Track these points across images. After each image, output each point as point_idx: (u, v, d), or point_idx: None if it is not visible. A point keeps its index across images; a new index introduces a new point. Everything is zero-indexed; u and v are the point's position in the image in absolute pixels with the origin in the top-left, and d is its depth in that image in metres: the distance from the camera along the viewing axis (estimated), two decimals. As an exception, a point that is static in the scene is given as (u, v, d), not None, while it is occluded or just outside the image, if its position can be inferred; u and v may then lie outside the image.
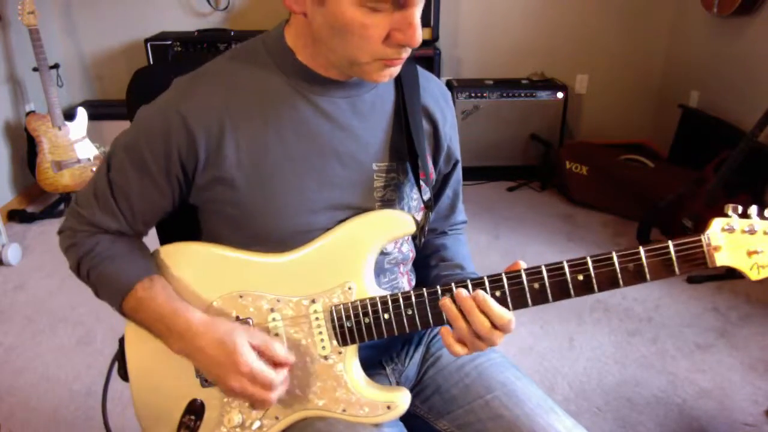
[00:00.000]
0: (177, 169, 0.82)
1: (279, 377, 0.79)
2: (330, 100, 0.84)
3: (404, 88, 0.90)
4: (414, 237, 0.90)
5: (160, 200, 0.86)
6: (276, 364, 0.80)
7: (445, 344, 0.82)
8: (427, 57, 3.32)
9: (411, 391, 0.99)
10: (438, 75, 3.42)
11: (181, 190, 0.86)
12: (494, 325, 0.77)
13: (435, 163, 0.97)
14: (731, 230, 0.75)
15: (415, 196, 0.92)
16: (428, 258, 1.02)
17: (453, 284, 0.80)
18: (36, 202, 3.35)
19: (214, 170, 0.82)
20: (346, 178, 0.85)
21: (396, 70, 0.79)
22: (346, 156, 0.85)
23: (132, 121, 0.87)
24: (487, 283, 0.79)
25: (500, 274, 0.79)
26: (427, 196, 0.91)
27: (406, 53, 0.76)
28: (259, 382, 0.78)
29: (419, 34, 0.72)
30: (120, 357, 0.96)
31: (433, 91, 0.95)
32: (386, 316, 0.82)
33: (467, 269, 0.98)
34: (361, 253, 0.84)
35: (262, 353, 0.80)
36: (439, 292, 0.81)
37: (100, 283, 0.87)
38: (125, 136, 0.85)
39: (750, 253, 0.75)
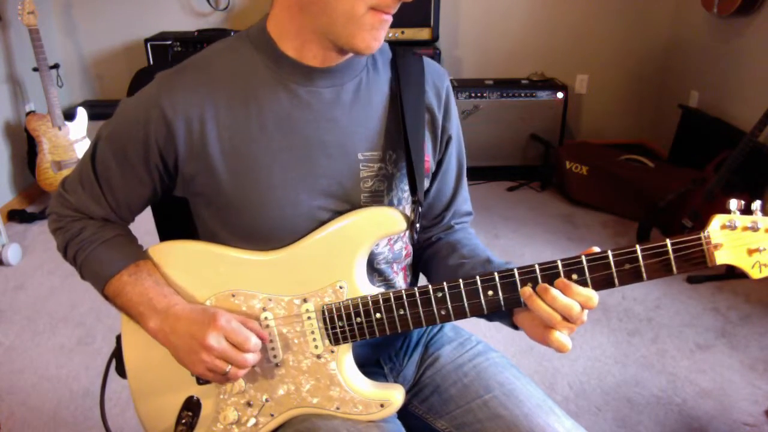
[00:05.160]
0: (156, 160, 0.83)
1: (254, 339, 0.81)
2: (313, 90, 0.84)
3: (401, 78, 0.89)
4: (407, 233, 0.89)
5: (142, 189, 0.87)
6: None
7: (553, 343, 0.76)
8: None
9: (409, 390, 0.99)
10: (438, 75, 3.41)
11: (163, 181, 0.87)
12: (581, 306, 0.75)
13: (434, 150, 0.95)
14: (732, 227, 0.71)
15: (405, 188, 0.91)
16: (447, 258, 0.97)
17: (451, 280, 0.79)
18: (36, 202, 3.35)
19: (197, 162, 0.82)
20: (331, 168, 0.85)
21: (382, 34, 0.78)
22: (332, 145, 0.85)
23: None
24: (479, 283, 0.78)
25: (493, 273, 0.78)
26: (421, 188, 0.88)
27: (395, 6, 0.75)
28: (234, 338, 0.80)
29: None
30: (117, 354, 0.97)
31: (430, 75, 0.94)
32: (378, 315, 0.82)
33: (495, 262, 0.92)
34: (352, 252, 0.83)
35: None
36: (431, 290, 0.79)
37: (85, 266, 0.90)
38: (107, 126, 0.87)
39: (751, 252, 0.71)
